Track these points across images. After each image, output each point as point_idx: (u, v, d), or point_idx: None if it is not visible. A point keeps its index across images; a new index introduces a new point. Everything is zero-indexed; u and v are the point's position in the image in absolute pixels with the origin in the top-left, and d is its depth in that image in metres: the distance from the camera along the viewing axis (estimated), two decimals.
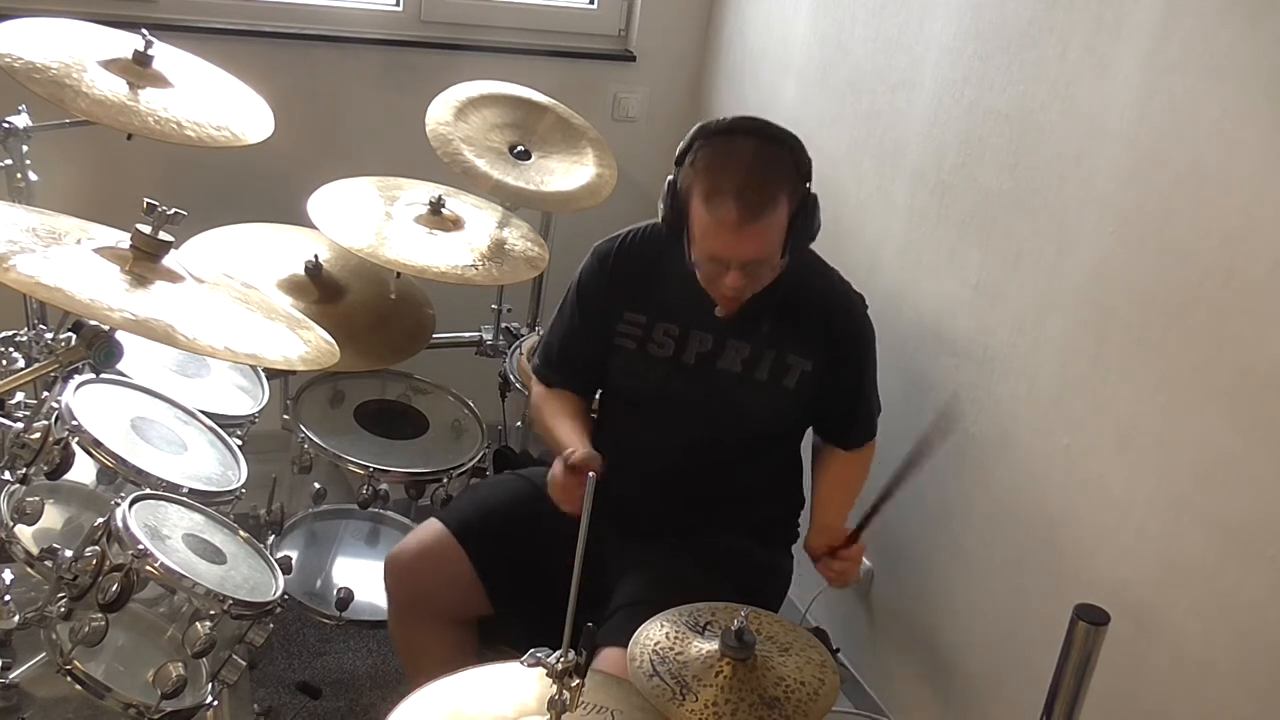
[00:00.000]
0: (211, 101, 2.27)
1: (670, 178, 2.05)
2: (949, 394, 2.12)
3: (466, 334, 2.95)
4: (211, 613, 1.66)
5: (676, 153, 2.04)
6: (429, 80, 2.83)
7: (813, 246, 2.18)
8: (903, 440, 2.46)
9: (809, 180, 2.02)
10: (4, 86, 2.10)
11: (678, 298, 2.14)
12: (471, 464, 2.55)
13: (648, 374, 2.15)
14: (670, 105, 3.36)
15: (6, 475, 1.72)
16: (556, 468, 2.04)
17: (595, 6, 3.29)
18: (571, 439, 2.10)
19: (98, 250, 1.64)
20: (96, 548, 1.64)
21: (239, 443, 2.10)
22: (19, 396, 1.78)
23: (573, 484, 1.98)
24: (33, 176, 2.30)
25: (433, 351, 2.67)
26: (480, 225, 2.62)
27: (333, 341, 1.82)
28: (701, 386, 2.13)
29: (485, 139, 2.73)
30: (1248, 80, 1.80)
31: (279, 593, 1.82)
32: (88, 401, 1.82)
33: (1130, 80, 1.99)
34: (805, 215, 2.01)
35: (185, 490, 1.84)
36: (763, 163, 1.95)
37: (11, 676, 1.77)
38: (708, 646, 1.53)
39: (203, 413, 2.08)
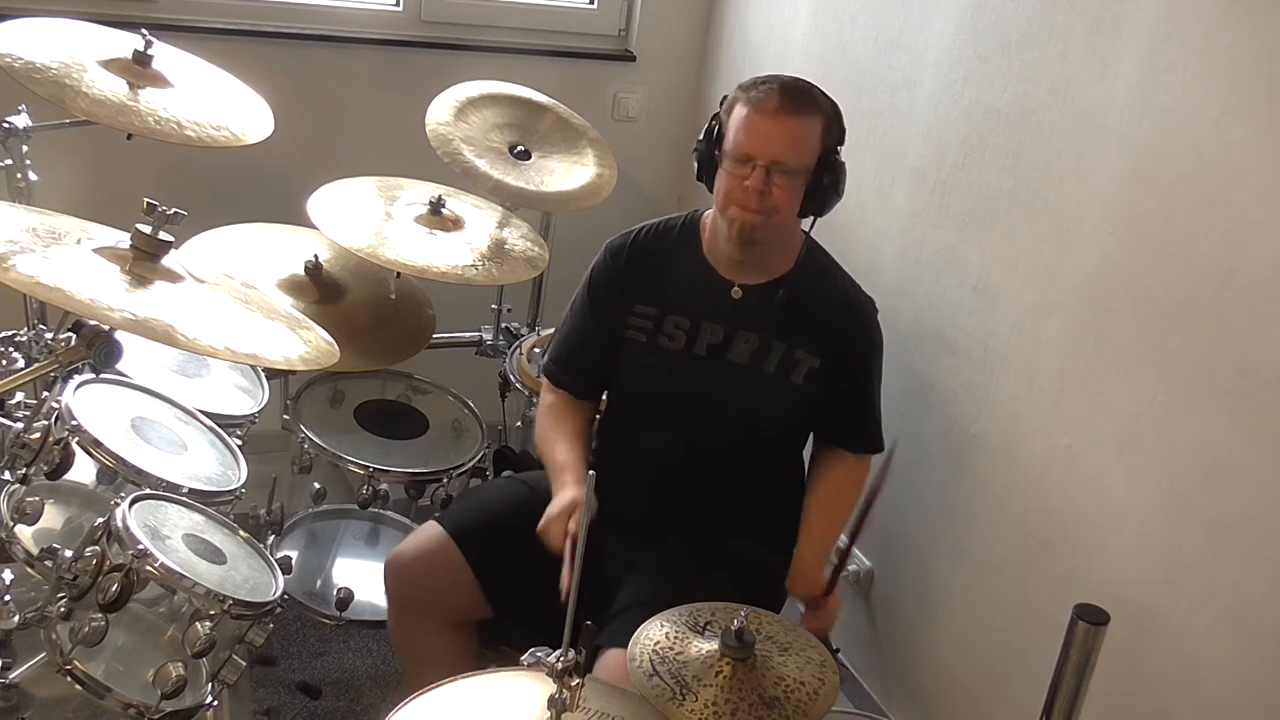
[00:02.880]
0: (211, 101, 2.27)
1: (708, 125, 2.10)
2: (892, 442, 2.19)
3: (466, 334, 2.95)
4: (211, 613, 1.66)
5: (720, 101, 2.10)
6: (429, 80, 2.83)
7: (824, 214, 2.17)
8: (905, 441, 2.47)
9: (841, 143, 2.08)
10: (4, 86, 2.10)
11: (689, 290, 2.14)
12: (471, 464, 2.55)
13: (656, 366, 2.15)
14: (670, 105, 3.36)
15: (6, 475, 1.72)
16: (551, 509, 2.03)
17: (595, 6, 3.29)
18: (564, 474, 2.08)
19: (98, 250, 1.64)
20: (96, 548, 1.64)
21: (239, 443, 2.10)
22: (19, 396, 1.78)
23: (562, 533, 1.97)
24: (33, 176, 2.30)
25: (433, 351, 2.67)
26: (480, 225, 2.62)
27: (333, 341, 1.82)
28: (710, 378, 2.13)
29: (485, 139, 2.73)
30: (1248, 80, 1.80)
31: (279, 593, 1.82)
32: (88, 401, 1.82)
33: (1130, 80, 1.99)
34: (833, 166, 2.05)
35: (185, 490, 1.84)
36: (804, 83, 2.06)
37: (11, 676, 1.77)
38: (708, 646, 1.53)
39: (203, 413, 2.08)
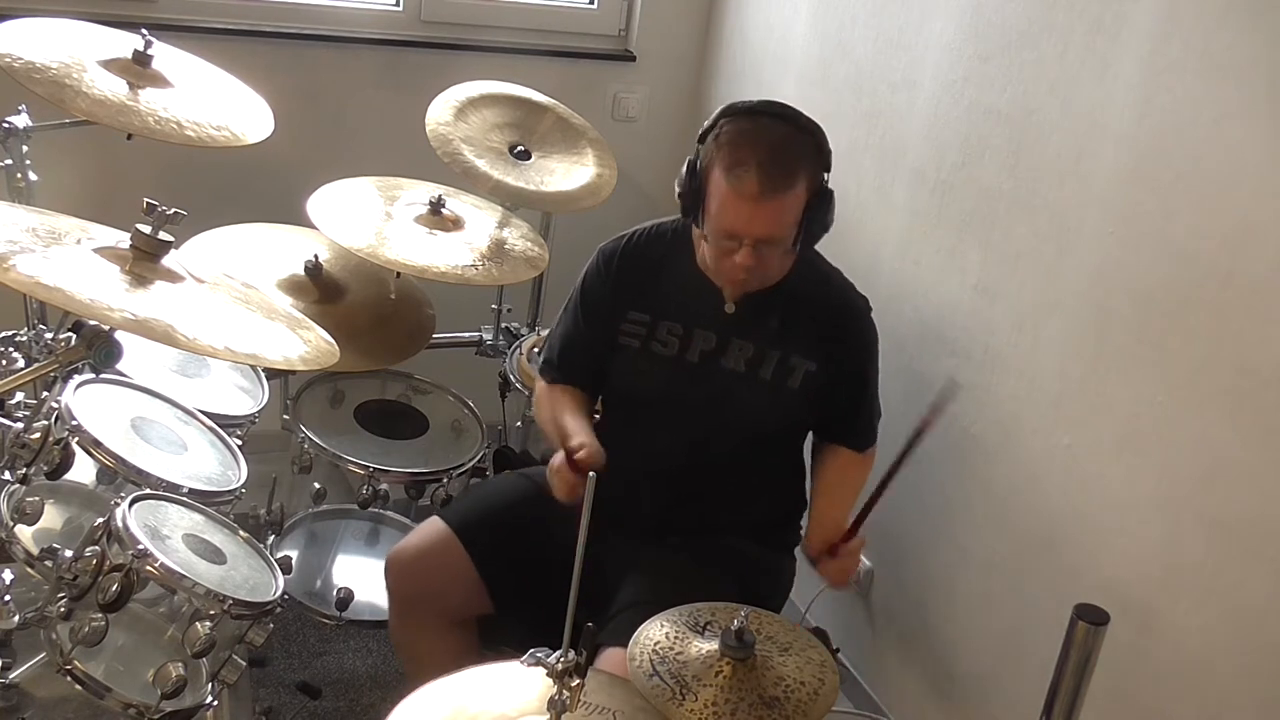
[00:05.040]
0: (211, 101, 2.27)
1: (690, 158, 2.05)
2: (946, 377, 2.09)
3: (466, 334, 2.95)
4: (211, 613, 1.66)
5: (699, 132, 2.04)
6: (429, 80, 2.83)
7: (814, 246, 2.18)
8: (903, 441, 2.46)
9: (828, 170, 2.03)
10: (4, 86, 2.10)
11: (682, 296, 2.14)
12: (471, 464, 2.55)
13: (650, 373, 2.15)
14: (670, 105, 3.36)
15: (6, 475, 1.72)
16: (558, 458, 2.03)
17: (595, 6, 3.29)
18: (577, 430, 2.09)
19: (98, 250, 1.64)
20: (96, 548, 1.64)
21: (239, 443, 2.10)
22: (19, 396, 1.78)
23: (573, 477, 1.98)
24: (33, 176, 2.30)
25: (433, 351, 2.67)
26: (480, 225, 2.62)
27: (333, 341, 1.82)
28: (704, 385, 2.13)
29: (485, 139, 2.73)
30: (1248, 80, 1.80)
31: (279, 593, 1.82)
32: (88, 401, 1.82)
33: (1130, 80, 1.99)
34: (820, 206, 2.01)
35: (185, 490, 1.84)
36: (787, 143, 1.97)
37: (11, 676, 1.77)
38: (708, 646, 1.53)
39: (203, 413, 2.08)
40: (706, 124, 2.03)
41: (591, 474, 1.36)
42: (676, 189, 2.06)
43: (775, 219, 1.96)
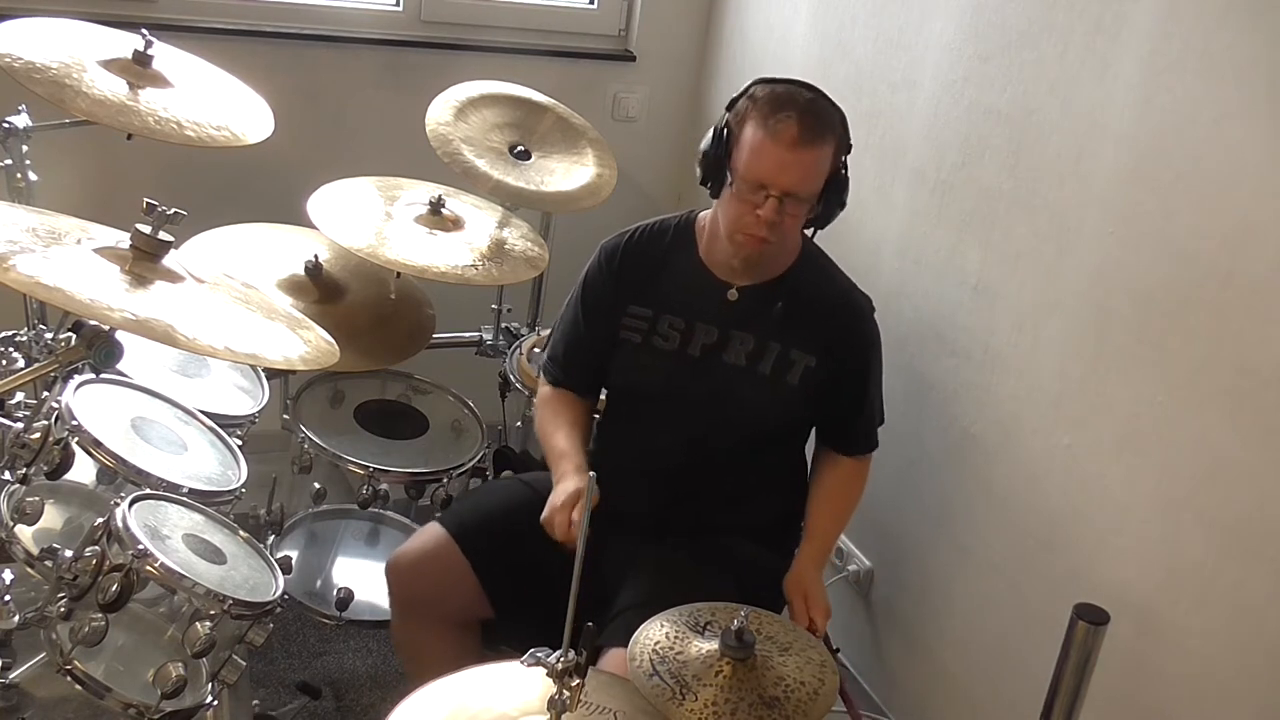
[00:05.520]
0: (211, 101, 2.27)
1: (715, 126, 2.07)
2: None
3: (466, 334, 2.95)
4: (211, 613, 1.66)
5: (729, 101, 2.08)
6: (429, 80, 2.83)
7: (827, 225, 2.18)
8: (905, 441, 2.47)
9: (848, 154, 2.06)
10: (4, 86, 2.10)
11: (684, 293, 2.14)
12: (471, 464, 2.54)
13: (652, 367, 2.15)
14: (670, 105, 3.36)
15: (6, 475, 1.72)
16: (554, 499, 2.03)
17: (595, 6, 3.29)
18: (564, 462, 2.10)
19: (98, 250, 1.64)
20: (96, 548, 1.64)
21: (239, 443, 2.10)
22: (19, 396, 1.78)
23: (567, 522, 1.98)
24: (33, 176, 2.29)
25: (433, 351, 2.67)
26: (480, 225, 2.62)
27: (333, 341, 1.82)
28: (705, 380, 2.13)
29: (485, 139, 2.73)
30: (1248, 80, 1.80)
31: (279, 593, 1.82)
32: (88, 401, 1.82)
33: (1130, 80, 1.99)
34: (840, 182, 2.05)
35: (185, 490, 1.84)
36: (822, 103, 2.03)
37: (11, 676, 1.77)
38: (708, 646, 1.53)
39: (203, 413, 2.08)
40: (736, 94, 2.06)
41: (591, 474, 1.36)
42: (699, 156, 2.08)
43: (807, 169, 1.98)
